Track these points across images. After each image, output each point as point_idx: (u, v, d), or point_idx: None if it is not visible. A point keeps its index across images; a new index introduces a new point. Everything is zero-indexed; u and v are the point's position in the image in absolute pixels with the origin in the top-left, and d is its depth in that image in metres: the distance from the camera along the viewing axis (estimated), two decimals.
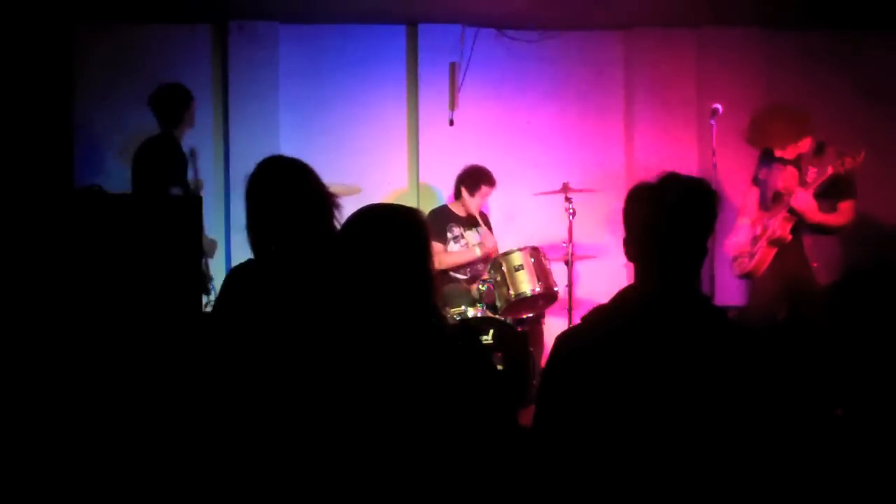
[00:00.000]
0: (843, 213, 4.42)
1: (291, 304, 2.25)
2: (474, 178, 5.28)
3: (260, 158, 2.54)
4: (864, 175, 5.64)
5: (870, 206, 5.63)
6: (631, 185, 1.99)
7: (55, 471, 2.46)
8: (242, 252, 5.82)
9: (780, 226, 4.41)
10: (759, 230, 4.53)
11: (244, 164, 5.16)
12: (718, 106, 4.62)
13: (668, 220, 1.91)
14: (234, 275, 2.48)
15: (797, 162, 4.50)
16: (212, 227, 5.60)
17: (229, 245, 5.64)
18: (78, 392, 2.56)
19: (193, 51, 5.81)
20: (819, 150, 4.44)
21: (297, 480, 1.77)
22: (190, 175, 4.87)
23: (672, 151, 5.80)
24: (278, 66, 5.80)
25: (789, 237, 4.41)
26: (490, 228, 5.49)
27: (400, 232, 1.90)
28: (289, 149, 2.53)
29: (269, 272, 2.39)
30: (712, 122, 4.64)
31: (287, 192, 2.46)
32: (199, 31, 5.83)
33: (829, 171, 4.26)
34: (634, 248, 1.96)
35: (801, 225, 4.39)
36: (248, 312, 2.33)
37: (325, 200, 2.49)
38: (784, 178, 4.55)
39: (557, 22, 5.88)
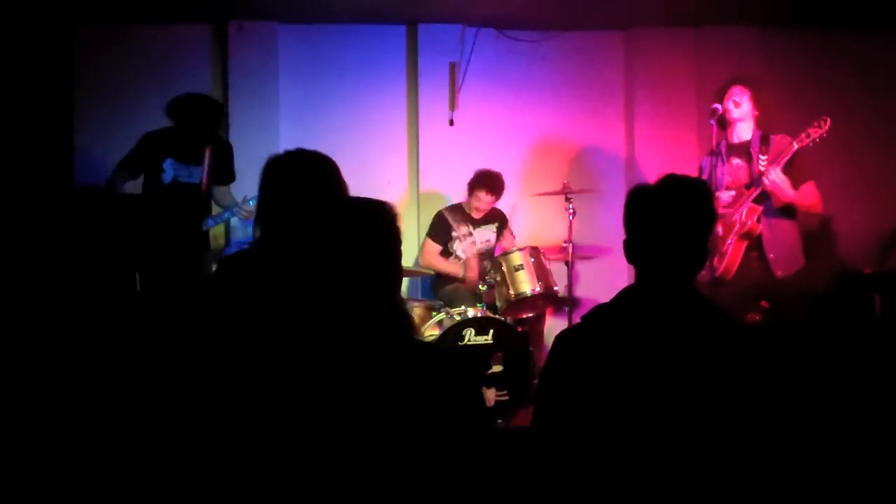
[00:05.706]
0: (809, 194, 4.33)
1: (264, 300, 2.19)
2: (474, 180, 5.27)
3: (260, 158, 2.52)
4: (867, 174, 5.67)
5: (872, 205, 5.65)
6: (631, 185, 2.01)
7: (49, 468, 2.46)
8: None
9: (748, 216, 4.33)
10: (719, 228, 4.37)
11: (244, 163, 5.20)
12: (718, 106, 4.62)
13: (668, 221, 1.92)
14: (222, 267, 2.41)
15: (747, 151, 4.48)
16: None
17: (229, 245, 5.65)
18: (75, 390, 2.56)
19: (193, 51, 5.81)
20: (764, 139, 4.42)
21: (268, 481, 1.74)
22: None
23: (672, 151, 5.80)
24: (278, 66, 5.80)
25: (759, 228, 4.33)
26: (511, 231, 5.54)
27: (365, 225, 1.84)
28: (289, 148, 2.52)
29: (253, 266, 2.33)
30: (712, 122, 4.64)
31: (299, 188, 2.39)
32: (199, 31, 5.82)
33: (794, 146, 4.22)
34: (635, 249, 1.97)
35: (762, 215, 4.34)
36: (228, 306, 2.27)
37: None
38: (732, 171, 4.50)
39: (557, 22, 5.89)
